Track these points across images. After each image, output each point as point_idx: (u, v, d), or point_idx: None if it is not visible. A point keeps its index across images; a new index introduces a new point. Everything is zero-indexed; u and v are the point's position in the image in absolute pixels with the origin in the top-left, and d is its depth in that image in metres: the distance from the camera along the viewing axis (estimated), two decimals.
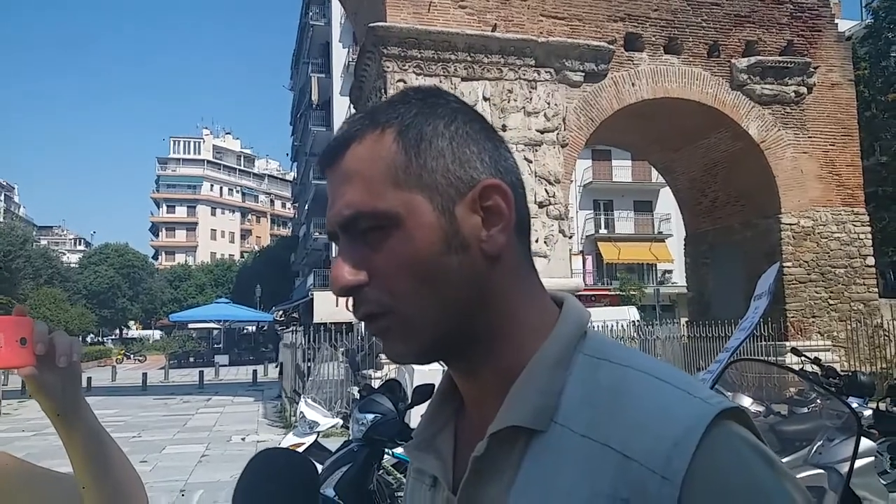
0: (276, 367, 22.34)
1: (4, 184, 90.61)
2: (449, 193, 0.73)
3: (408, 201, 0.72)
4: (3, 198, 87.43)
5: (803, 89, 15.96)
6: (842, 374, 5.20)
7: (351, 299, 0.75)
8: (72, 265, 66.39)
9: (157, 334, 62.18)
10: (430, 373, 8.38)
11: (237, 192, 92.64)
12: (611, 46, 14.75)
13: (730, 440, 0.63)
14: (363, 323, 0.76)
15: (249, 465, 1.08)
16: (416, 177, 0.72)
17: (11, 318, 0.94)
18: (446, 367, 0.82)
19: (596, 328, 0.80)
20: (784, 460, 4.35)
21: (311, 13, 44.54)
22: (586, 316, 0.78)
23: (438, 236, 0.72)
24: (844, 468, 3.97)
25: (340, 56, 39.45)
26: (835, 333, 15.54)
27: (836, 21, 17.41)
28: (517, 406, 0.71)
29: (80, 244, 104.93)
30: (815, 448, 4.25)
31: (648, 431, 0.64)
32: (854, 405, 4.35)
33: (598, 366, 0.72)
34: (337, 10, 36.47)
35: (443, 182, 0.73)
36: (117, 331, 66.02)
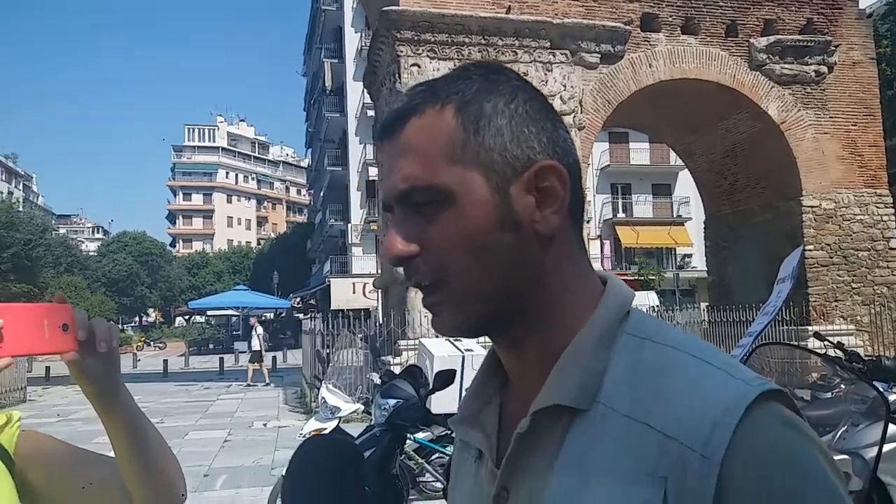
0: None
1: (23, 173, 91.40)
2: (505, 172, 0.74)
3: (464, 178, 0.73)
4: (22, 187, 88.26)
5: (824, 68, 15.70)
6: (866, 358, 5.15)
7: (401, 270, 0.77)
8: (90, 253, 66.99)
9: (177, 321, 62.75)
10: (451, 358, 8.39)
11: (252, 179, 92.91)
12: (627, 27, 14.57)
13: (769, 420, 0.64)
14: (419, 293, 0.78)
15: (298, 452, 1.09)
16: (473, 154, 0.73)
17: (53, 306, 0.96)
18: (491, 344, 0.83)
19: None
20: None
21: None
22: (630, 295, 0.79)
23: (492, 214, 0.73)
24: (869, 453, 3.92)
25: (353, 41, 39.31)
26: (858, 318, 15.35)
27: None
28: (561, 385, 0.72)
29: (98, 232, 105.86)
30: (839, 433, 4.21)
31: (689, 411, 0.65)
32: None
33: (640, 345, 0.73)
34: None
35: (499, 160, 0.74)
36: (137, 318, 66.66)
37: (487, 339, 0.80)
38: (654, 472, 0.65)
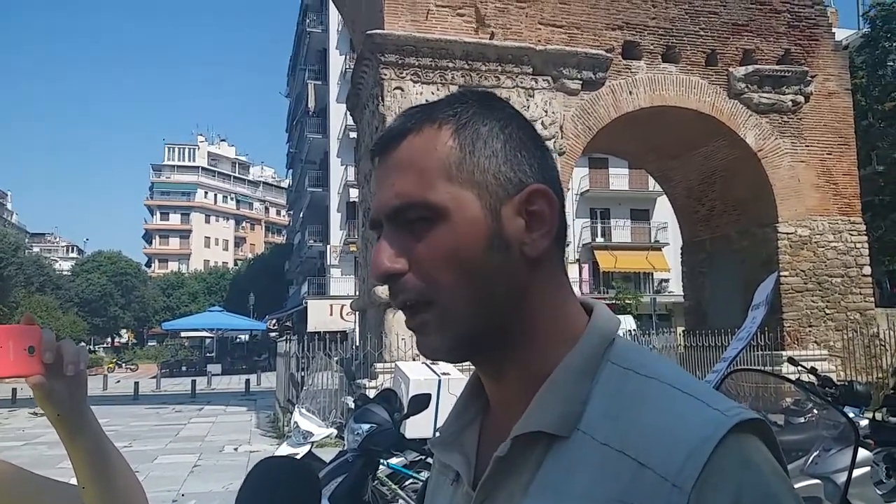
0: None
1: None
2: (498, 193, 0.75)
3: (458, 196, 0.74)
4: None
5: (800, 98, 15.95)
6: (838, 383, 5.19)
7: (386, 288, 0.77)
8: (64, 273, 66.06)
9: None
10: (427, 382, 8.27)
11: (231, 199, 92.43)
12: (608, 55, 14.71)
13: (741, 452, 0.65)
14: (402, 313, 0.78)
15: (252, 474, 1.11)
16: (468, 174, 0.75)
17: (20, 327, 0.94)
18: (470, 367, 0.83)
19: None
20: None
21: (308, 20, 44.57)
22: (616, 324, 0.79)
23: (483, 234, 0.74)
24: (840, 478, 3.93)
25: (337, 63, 39.43)
26: (831, 343, 15.49)
27: (834, 30, 17.46)
28: (542, 411, 0.73)
29: (72, 251, 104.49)
30: (811, 458, 4.27)
31: (665, 441, 0.66)
32: (850, 415, 4.31)
33: (624, 375, 0.73)
34: (334, 18, 36.54)
35: (493, 182, 0.75)
36: (109, 339, 65.67)
37: (465, 363, 0.80)
38: (624, 499, 0.65)
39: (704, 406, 0.68)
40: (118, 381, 31.76)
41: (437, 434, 0.86)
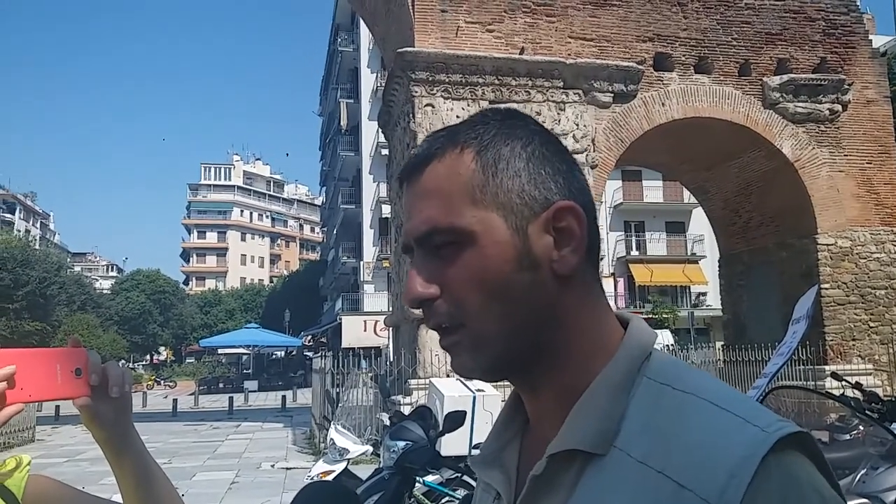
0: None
1: (41, 211, 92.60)
2: (523, 213, 0.75)
3: (484, 219, 0.75)
4: (39, 225, 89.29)
5: (838, 107, 15.65)
6: (885, 398, 5.01)
7: (420, 311, 0.77)
8: (104, 291, 67.33)
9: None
10: (462, 399, 8.23)
11: (267, 217, 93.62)
12: (640, 67, 14.63)
13: (784, 472, 0.63)
14: (437, 335, 0.79)
15: (299, 497, 1.16)
16: (492, 195, 0.75)
17: (67, 350, 0.96)
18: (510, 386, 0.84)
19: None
20: None
21: (339, 39, 45.11)
22: (652, 337, 0.78)
23: (511, 254, 0.74)
24: (889, 497, 3.81)
25: (369, 81, 39.81)
26: (876, 357, 15.07)
27: (870, 37, 17.13)
28: (578, 428, 0.72)
29: (112, 270, 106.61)
30: (858, 476, 4.13)
31: (705, 461, 0.65)
32: None
33: (660, 391, 0.72)
34: (365, 36, 36.95)
35: (518, 202, 0.75)
36: (148, 356, 66.67)
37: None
38: None
39: (743, 423, 0.66)
40: (166, 397, 32.13)
41: (479, 452, 0.87)
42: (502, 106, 0.86)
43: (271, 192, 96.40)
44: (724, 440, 0.65)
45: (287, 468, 12.08)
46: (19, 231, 63.34)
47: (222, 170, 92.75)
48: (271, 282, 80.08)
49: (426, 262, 0.77)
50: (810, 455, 0.67)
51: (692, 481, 0.64)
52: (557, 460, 0.72)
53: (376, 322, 30.55)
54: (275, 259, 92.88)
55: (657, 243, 40.46)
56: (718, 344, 19.30)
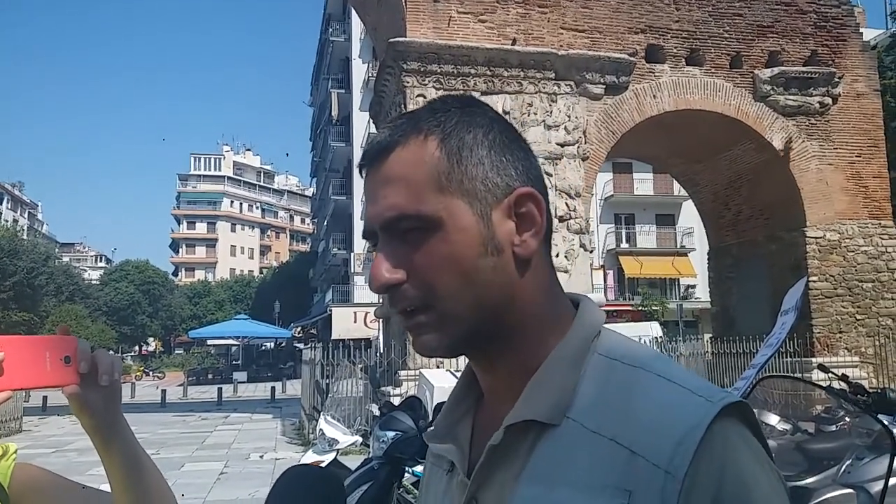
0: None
1: (28, 201, 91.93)
2: (487, 199, 0.78)
3: (449, 206, 0.77)
4: (27, 215, 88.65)
5: (828, 100, 15.70)
6: (870, 391, 5.05)
7: (386, 297, 0.80)
8: (93, 282, 67.02)
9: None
10: (451, 389, 8.23)
11: (257, 208, 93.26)
12: (632, 59, 14.61)
13: (729, 437, 0.69)
14: (400, 317, 0.80)
15: (280, 481, 1.15)
16: (457, 183, 0.78)
17: (56, 337, 0.96)
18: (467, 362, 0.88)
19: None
20: (812, 479, 4.22)
21: (331, 29, 44.89)
22: (601, 317, 0.83)
23: (477, 240, 0.77)
24: (875, 487, 3.84)
25: (360, 72, 39.65)
26: (863, 349, 15.18)
27: (861, 30, 17.16)
28: (534, 401, 0.76)
29: (100, 261, 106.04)
30: (843, 467, 4.17)
31: (655, 429, 0.69)
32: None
33: (610, 366, 0.77)
34: (357, 26, 36.76)
35: (482, 188, 0.78)
36: (137, 347, 66.45)
37: None
38: (619, 485, 0.69)
39: (690, 394, 0.72)
40: (157, 388, 32.00)
41: (433, 428, 0.90)
42: (459, 94, 0.87)
43: (261, 183, 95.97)
44: (673, 410, 0.70)
45: (276, 459, 12.06)
46: (7, 221, 62.84)
47: (212, 160, 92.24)
48: (261, 273, 79.83)
49: (391, 248, 0.78)
50: (748, 423, 0.72)
51: (644, 448, 0.69)
52: (513, 431, 0.76)
53: (366, 314, 30.50)
54: (265, 250, 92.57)
55: (647, 236, 40.56)
56: (707, 336, 19.37)
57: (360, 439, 6.71)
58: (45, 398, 22.86)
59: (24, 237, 49.44)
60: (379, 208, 0.79)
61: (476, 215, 0.77)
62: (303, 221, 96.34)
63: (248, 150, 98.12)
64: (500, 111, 11.05)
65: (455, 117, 0.80)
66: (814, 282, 14.96)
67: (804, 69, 15.59)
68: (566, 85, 14.25)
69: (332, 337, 29.19)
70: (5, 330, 31.96)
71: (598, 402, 0.74)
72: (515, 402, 0.78)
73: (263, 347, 52.59)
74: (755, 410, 0.75)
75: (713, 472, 0.67)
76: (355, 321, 33.63)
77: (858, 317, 15.38)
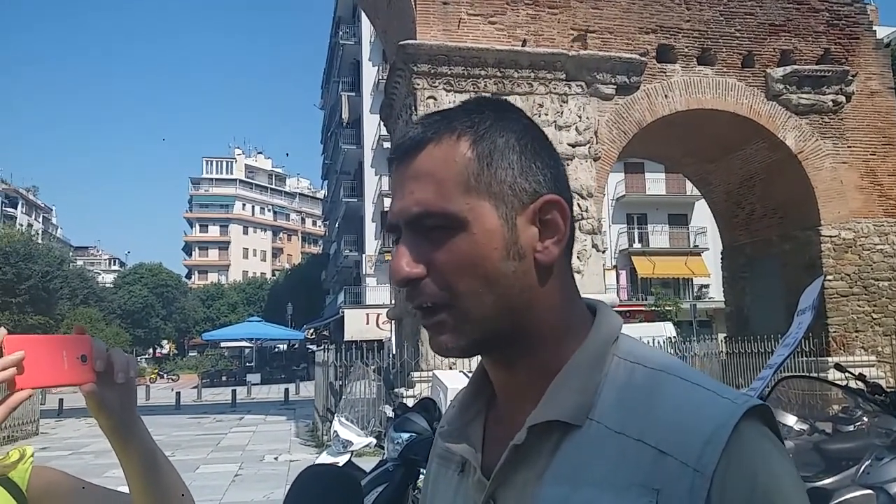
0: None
1: (43, 206, 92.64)
2: (513, 204, 0.79)
3: (475, 207, 0.77)
4: (41, 220, 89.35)
5: (841, 98, 15.60)
6: (888, 390, 5.00)
7: (404, 291, 0.80)
8: (107, 285, 67.35)
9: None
10: None
11: (269, 210, 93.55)
12: (643, 58, 14.58)
13: (755, 437, 0.71)
14: (418, 314, 0.81)
15: (298, 481, 1.18)
16: (486, 185, 0.78)
17: (72, 337, 0.98)
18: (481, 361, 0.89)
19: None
20: (830, 480, 4.16)
21: (341, 32, 44.98)
22: (619, 322, 0.85)
23: (500, 243, 0.78)
24: (894, 488, 3.77)
25: (370, 74, 39.70)
26: (879, 348, 15.07)
27: (874, 28, 17.06)
28: (557, 402, 0.77)
29: (114, 264, 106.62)
30: (863, 468, 4.10)
31: (682, 429, 0.71)
32: None
33: (631, 369, 0.78)
34: (367, 29, 36.82)
35: (509, 193, 0.79)
36: (151, 350, 66.79)
37: None
38: (647, 483, 0.70)
39: (714, 395, 0.73)
40: (172, 391, 32.15)
41: (445, 427, 0.91)
42: (494, 97, 0.91)
43: (273, 186, 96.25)
44: (700, 410, 0.72)
45: (290, 461, 12.10)
46: (21, 225, 63.38)
47: (224, 163, 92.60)
48: (273, 275, 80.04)
49: (414, 243, 0.79)
50: (769, 425, 0.74)
51: (672, 447, 0.70)
52: (536, 432, 0.77)
53: (378, 315, 30.54)
54: (277, 252, 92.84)
55: (659, 235, 40.37)
56: (721, 336, 19.27)
57: (375, 441, 6.73)
58: (61, 401, 23.03)
59: (39, 241, 49.82)
60: (405, 203, 0.79)
61: (501, 219, 0.78)
62: (314, 224, 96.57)
63: (260, 153, 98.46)
64: None
65: (489, 120, 0.81)
66: (829, 281, 14.85)
67: (817, 67, 15.50)
68: (577, 85, 14.23)
69: (345, 338, 29.25)
70: (22, 333, 32.15)
71: (621, 404, 0.75)
72: (535, 405, 0.79)
73: (276, 349, 52.72)
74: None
75: (744, 472, 0.68)
76: (367, 322, 33.68)
77: (875, 315, 15.27)
